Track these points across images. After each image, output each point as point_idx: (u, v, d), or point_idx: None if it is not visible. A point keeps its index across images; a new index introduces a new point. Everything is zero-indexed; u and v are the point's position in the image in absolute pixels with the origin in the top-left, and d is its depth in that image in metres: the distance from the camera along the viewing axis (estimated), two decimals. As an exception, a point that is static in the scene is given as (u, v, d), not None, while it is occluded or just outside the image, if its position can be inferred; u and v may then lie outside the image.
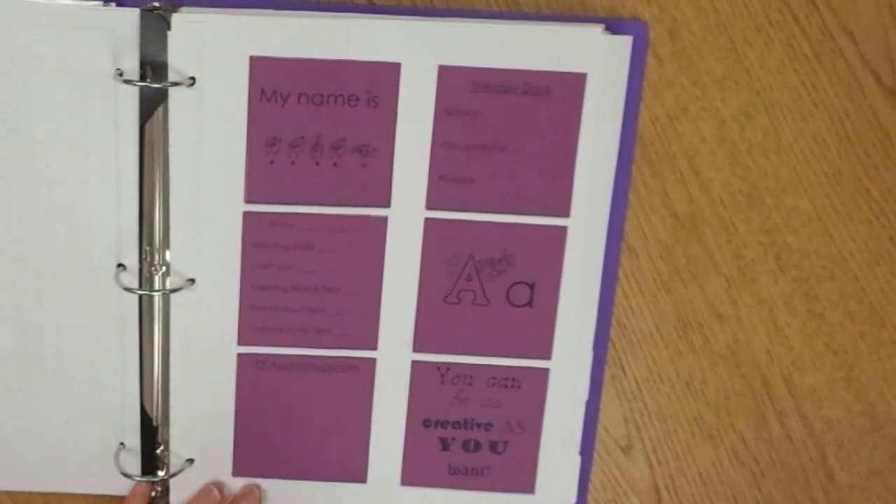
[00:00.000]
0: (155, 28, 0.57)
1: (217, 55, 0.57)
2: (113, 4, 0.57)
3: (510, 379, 0.63)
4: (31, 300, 0.61)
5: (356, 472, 0.64)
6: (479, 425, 0.64)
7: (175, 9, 0.57)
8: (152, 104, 0.58)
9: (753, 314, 0.63)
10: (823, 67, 0.60)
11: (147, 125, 0.58)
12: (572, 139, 0.59)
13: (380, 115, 0.58)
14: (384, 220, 0.60)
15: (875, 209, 0.62)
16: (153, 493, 0.63)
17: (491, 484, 0.64)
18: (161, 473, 0.63)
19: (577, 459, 0.64)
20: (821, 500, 0.66)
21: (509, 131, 0.59)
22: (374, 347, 0.62)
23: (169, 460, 0.63)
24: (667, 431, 0.65)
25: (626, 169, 0.60)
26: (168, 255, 0.60)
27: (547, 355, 0.62)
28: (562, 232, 0.60)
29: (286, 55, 0.57)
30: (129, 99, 0.58)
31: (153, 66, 0.57)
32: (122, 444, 0.63)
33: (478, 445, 0.64)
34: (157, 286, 0.60)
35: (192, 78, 0.57)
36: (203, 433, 0.63)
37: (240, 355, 0.62)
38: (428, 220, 0.60)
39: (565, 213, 0.60)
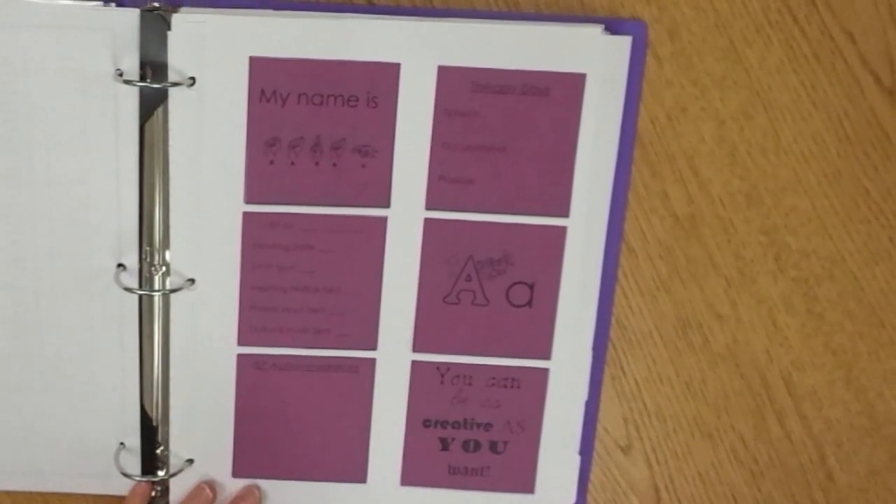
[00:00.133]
0: (155, 28, 0.57)
1: (217, 55, 0.57)
2: (113, 5, 0.57)
3: (510, 379, 0.63)
4: (31, 300, 0.61)
5: (356, 472, 0.64)
6: (478, 425, 0.64)
7: (175, 9, 0.57)
8: (152, 104, 0.58)
9: (753, 314, 0.63)
10: (823, 68, 0.60)
11: (147, 125, 0.58)
12: (572, 139, 0.59)
13: (379, 115, 0.58)
14: (384, 220, 0.60)
15: (874, 209, 0.62)
16: (153, 493, 0.63)
17: (491, 484, 0.64)
18: (161, 473, 0.63)
19: (577, 459, 0.64)
20: (820, 500, 0.66)
21: (509, 131, 0.59)
22: (373, 347, 0.62)
23: (169, 460, 0.63)
24: (666, 431, 0.65)
25: (626, 169, 0.60)
26: (168, 255, 0.60)
27: (546, 355, 0.62)
28: (561, 232, 0.60)
29: (286, 55, 0.57)
30: (129, 99, 0.58)
31: (153, 67, 0.57)
32: (122, 444, 0.63)
33: (477, 445, 0.64)
34: (157, 286, 0.60)
35: (192, 78, 0.57)
36: (203, 433, 0.63)
37: (240, 355, 0.62)
38: (427, 221, 0.60)
39: (565, 213, 0.60)
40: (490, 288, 0.61)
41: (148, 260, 0.60)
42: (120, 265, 0.60)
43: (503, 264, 0.61)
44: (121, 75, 0.57)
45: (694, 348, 0.64)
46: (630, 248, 0.62)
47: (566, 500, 0.65)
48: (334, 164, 0.59)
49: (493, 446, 0.64)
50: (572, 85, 0.58)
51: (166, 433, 0.63)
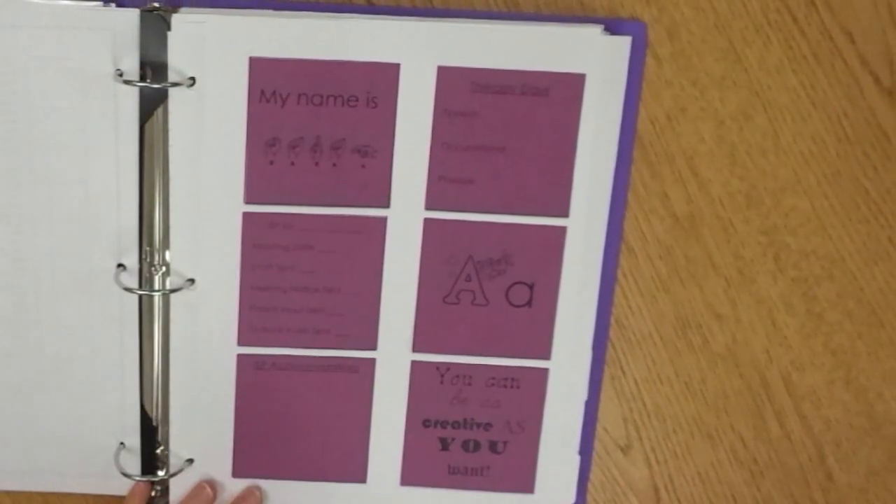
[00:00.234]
0: (155, 28, 0.57)
1: (217, 56, 0.57)
2: (113, 5, 0.57)
3: (510, 379, 0.63)
4: (31, 300, 0.61)
5: (356, 472, 0.64)
6: (478, 425, 0.64)
7: (175, 9, 0.57)
8: (152, 104, 0.58)
9: (752, 314, 0.63)
10: (822, 68, 0.60)
11: (147, 125, 0.58)
12: (571, 140, 0.59)
13: (379, 115, 0.58)
14: (384, 220, 0.60)
15: (873, 209, 0.62)
16: (153, 493, 0.64)
17: (490, 484, 0.65)
18: (161, 473, 0.63)
19: (577, 459, 0.64)
20: (819, 500, 0.66)
21: (508, 132, 0.59)
22: (373, 348, 0.62)
23: (169, 460, 0.63)
24: (666, 431, 0.65)
25: (625, 169, 0.61)
26: (168, 255, 0.60)
27: (546, 355, 0.62)
28: (561, 232, 0.60)
29: (286, 56, 0.57)
30: (129, 99, 0.58)
31: (153, 67, 0.57)
32: (122, 443, 0.63)
33: (477, 445, 0.64)
34: (157, 286, 0.60)
35: (192, 78, 0.57)
36: (203, 433, 0.63)
37: (240, 356, 0.62)
38: (427, 221, 0.60)
39: (564, 213, 0.60)
40: (490, 288, 0.61)
41: (148, 260, 0.60)
42: (120, 265, 0.60)
43: (503, 264, 0.61)
44: (121, 75, 0.57)
45: (693, 348, 0.64)
46: (630, 248, 0.62)
47: (566, 499, 0.65)
48: (334, 165, 0.59)
49: (493, 446, 0.64)
50: (572, 85, 0.58)
51: (166, 433, 0.63)
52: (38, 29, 0.57)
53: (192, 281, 0.60)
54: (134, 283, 0.60)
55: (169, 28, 0.57)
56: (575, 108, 0.59)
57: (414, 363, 0.62)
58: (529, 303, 0.62)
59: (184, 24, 0.57)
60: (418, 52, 0.58)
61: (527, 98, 0.58)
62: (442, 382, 0.63)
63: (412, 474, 0.64)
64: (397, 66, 0.58)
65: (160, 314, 0.61)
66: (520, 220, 0.60)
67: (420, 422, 0.63)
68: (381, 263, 0.61)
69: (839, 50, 0.60)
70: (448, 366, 0.63)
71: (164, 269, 0.60)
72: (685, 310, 0.63)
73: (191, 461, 0.63)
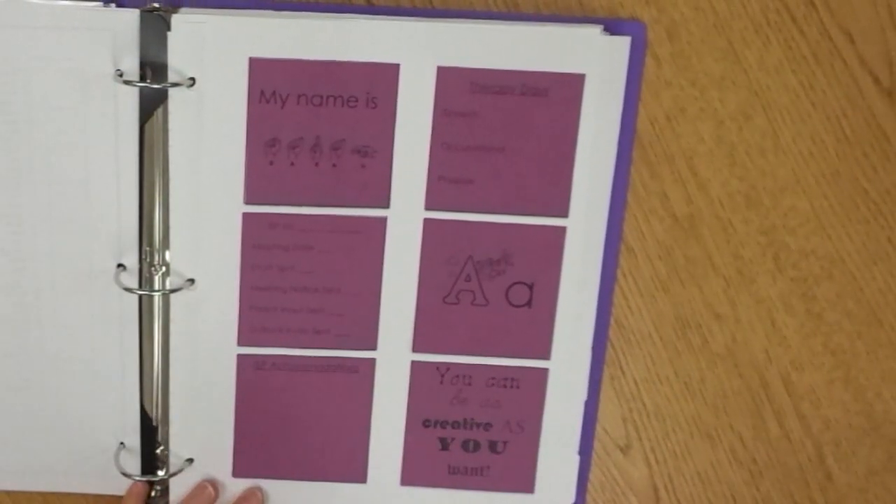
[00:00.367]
0: (155, 29, 0.57)
1: (217, 56, 0.57)
2: (113, 5, 0.57)
3: (509, 379, 0.63)
4: (31, 300, 0.61)
5: (356, 472, 0.64)
6: (478, 425, 0.64)
7: (175, 10, 0.57)
8: (152, 105, 0.58)
9: (752, 314, 0.63)
10: (821, 68, 0.60)
11: (147, 125, 0.59)
12: (571, 140, 0.59)
13: (379, 115, 0.58)
14: (383, 220, 0.60)
15: (873, 209, 0.62)
16: (153, 493, 0.64)
17: (490, 484, 0.65)
18: (161, 473, 0.63)
19: (576, 459, 0.64)
20: (819, 500, 0.66)
21: (508, 132, 0.59)
22: (373, 348, 0.62)
23: (169, 460, 0.63)
24: (665, 431, 0.65)
25: (625, 169, 0.61)
26: (168, 255, 0.60)
27: (546, 355, 0.63)
28: (561, 232, 0.61)
29: (285, 56, 0.57)
30: (129, 99, 0.58)
31: (153, 67, 0.58)
32: (121, 443, 0.63)
33: (477, 445, 0.64)
34: (157, 286, 0.61)
35: (192, 79, 0.57)
36: (203, 433, 0.63)
37: (240, 356, 0.62)
38: (427, 221, 0.60)
39: (564, 213, 0.60)
40: (489, 288, 0.61)
41: (148, 260, 0.60)
42: (120, 265, 0.60)
43: (503, 264, 0.61)
44: (121, 76, 0.57)
45: (693, 348, 0.64)
46: (629, 248, 0.62)
47: (565, 499, 0.65)
48: (334, 165, 0.59)
49: (493, 446, 0.64)
50: (571, 85, 0.58)
51: (166, 433, 0.63)
52: (38, 29, 0.57)
53: (192, 281, 0.60)
54: (134, 283, 0.60)
55: (169, 28, 0.57)
56: (574, 109, 0.59)
57: (414, 363, 0.62)
58: (529, 303, 0.62)
59: (184, 24, 0.57)
60: (418, 52, 0.58)
61: (526, 98, 0.58)
62: (442, 382, 0.63)
63: (412, 474, 0.64)
64: (397, 66, 0.58)
65: (160, 314, 0.61)
66: (519, 221, 0.60)
67: (420, 422, 0.63)
68: (381, 263, 0.61)
69: (838, 50, 0.60)
70: (448, 366, 0.63)
71: (164, 269, 0.60)
72: (685, 310, 0.63)
73: (191, 461, 0.63)
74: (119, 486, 0.63)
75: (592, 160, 0.59)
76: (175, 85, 0.57)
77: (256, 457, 0.63)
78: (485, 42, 0.58)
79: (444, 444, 0.64)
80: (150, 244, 0.60)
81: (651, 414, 0.65)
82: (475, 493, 0.65)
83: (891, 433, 0.65)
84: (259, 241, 0.60)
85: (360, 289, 0.61)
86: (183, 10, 0.57)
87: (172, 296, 0.60)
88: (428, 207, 0.60)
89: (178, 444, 0.63)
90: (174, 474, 0.63)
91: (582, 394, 0.63)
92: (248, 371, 0.62)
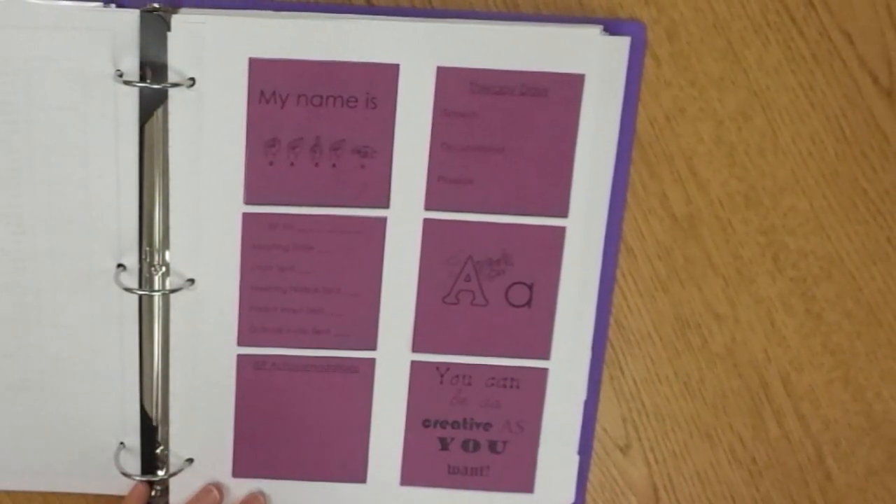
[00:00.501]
0: (155, 29, 0.57)
1: (216, 56, 0.57)
2: (113, 6, 0.57)
3: (509, 379, 0.63)
4: (31, 300, 0.61)
5: (356, 472, 0.64)
6: (478, 425, 0.64)
7: (175, 10, 0.57)
8: (152, 105, 0.58)
9: (751, 314, 0.63)
10: (821, 68, 0.60)
11: (147, 126, 0.59)
12: (570, 140, 0.59)
13: (379, 116, 0.59)
14: (383, 220, 0.60)
15: (872, 209, 0.62)
16: (153, 493, 0.64)
17: (490, 483, 0.65)
18: (161, 473, 0.63)
19: (576, 459, 0.64)
20: (818, 500, 0.66)
21: (508, 132, 0.59)
22: (373, 348, 0.62)
23: (169, 460, 0.63)
24: (665, 431, 0.65)
25: (625, 169, 0.61)
26: (168, 255, 0.60)
27: (546, 355, 0.63)
28: (560, 232, 0.61)
29: (285, 56, 0.57)
30: (129, 100, 0.58)
31: (153, 67, 0.58)
32: (121, 443, 0.63)
33: (477, 445, 0.64)
34: (157, 286, 0.61)
35: (192, 79, 0.57)
36: (203, 433, 0.63)
37: (240, 356, 0.62)
38: (427, 221, 0.60)
39: (564, 213, 0.60)
40: (489, 288, 0.61)
41: (148, 260, 0.60)
42: (120, 265, 0.60)
43: (502, 264, 0.61)
44: (121, 76, 0.57)
45: (692, 348, 0.64)
46: (629, 248, 0.62)
47: (565, 499, 0.65)
48: (334, 165, 0.59)
49: (493, 446, 0.64)
50: (571, 85, 0.58)
51: (166, 433, 0.63)
52: (39, 29, 0.57)
53: (192, 281, 0.60)
54: (134, 284, 0.60)
55: (169, 28, 0.57)
56: (574, 109, 0.59)
57: (414, 363, 0.63)
58: (529, 303, 0.62)
59: (184, 24, 0.57)
60: (418, 52, 0.58)
61: (526, 98, 0.58)
62: (442, 382, 0.63)
63: (412, 474, 0.64)
64: (397, 66, 0.58)
65: (160, 314, 0.61)
66: (519, 221, 0.60)
67: (420, 422, 0.63)
68: (381, 264, 0.61)
69: (838, 50, 0.60)
70: (448, 366, 0.63)
71: (164, 269, 0.60)
72: (684, 310, 0.63)
73: (191, 461, 0.63)
74: (119, 486, 0.63)
75: (592, 160, 0.59)
76: (175, 85, 0.57)
77: (256, 457, 0.63)
78: (484, 42, 0.58)
79: (444, 444, 0.64)
80: (150, 244, 0.60)
81: (650, 414, 0.65)
82: (475, 492, 0.65)
83: (890, 433, 0.65)
84: (259, 241, 0.60)
85: (359, 289, 0.61)
86: (183, 10, 0.57)
87: (172, 296, 0.60)
88: (428, 207, 0.60)
89: (178, 444, 0.63)
90: (174, 474, 0.63)
91: (581, 394, 0.63)
92: (248, 371, 0.62)
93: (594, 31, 0.58)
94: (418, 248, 0.61)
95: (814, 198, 0.62)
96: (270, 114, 0.58)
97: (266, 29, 0.57)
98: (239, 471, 0.64)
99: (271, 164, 0.59)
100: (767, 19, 0.60)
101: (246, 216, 0.60)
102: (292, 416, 0.63)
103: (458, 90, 0.58)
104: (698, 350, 0.64)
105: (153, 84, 0.57)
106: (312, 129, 0.58)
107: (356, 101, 0.58)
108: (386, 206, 0.60)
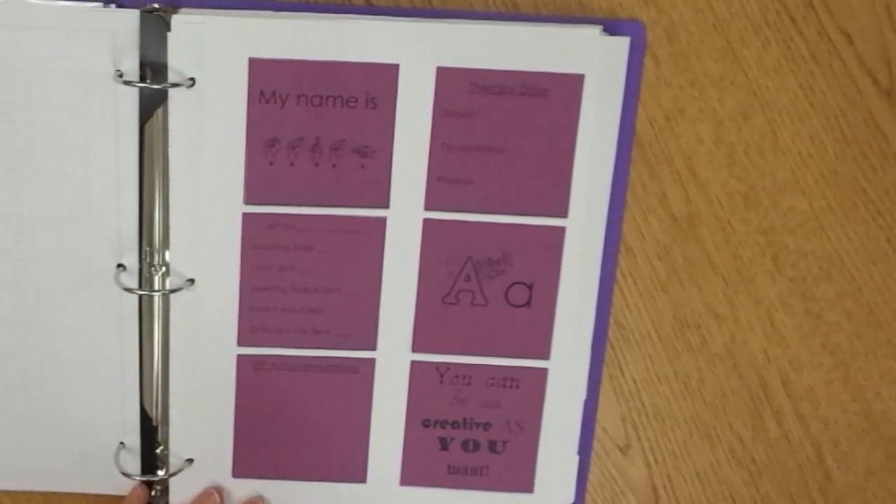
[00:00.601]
0: (155, 29, 0.57)
1: (216, 57, 0.57)
2: (113, 6, 0.58)
3: (509, 379, 0.63)
4: (31, 300, 0.61)
5: (356, 472, 0.64)
6: (478, 425, 0.64)
7: (175, 10, 0.57)
8: (152, 105, 0.58)
9: (751, 314, 0.63)
10: (820, 68, 0.60)
11: (147, 126, 0.59)
12: (570, 140, 0.59)
13: (378, 116, 0.59)
14: (383, 220, 0.60)
15: (872, 209, 0.62)
16: (153, 493, 0.64)
17: (490, 483, 0.65)
18: (161, 473, 0.63)
19: (576, 459, 0.64)
20: (818, 500, 0.66)
21: (507, 132, 0.59)
22: (373, 348, 0.62)
23: (169, 460, 0.63)
24: (664, 431, 0.65)
25: (624, 170, 0.61)
26: (168, 255, 0.60)
27: (545, 355, 0.63)
28: (560, 232, 0.61)
29: (285, 56, 0.57)
30: (129, 100, 0.58)
31: (153, 68, 0.58)
32: (121, 443, 0.63)
33: (477, 445, 0.64)
34: (156, 286, 0.61)
35: (192, 79, 0.58)
36: (203, 433, 0.63)
37: (240, 356, 0.62)
38: (427, 221, 0.60)
39: (563, 213, 0.60)
40: (489, 288, 0.61)
41: (148, 260, 0.60)
42: (120, 265, 0.60)
43: (502, 264, 0.61)
44: (121, 76, 0.57)
45: (692, 348, 0.64)
46: (628, 248, 0.62)
47: (565, 499, 0.65)
48: (334, 165, 0.59)
49: (493, 446, 0.64)
50: (571, 86, 0.58)
51: (166, 433, 0.63)
52: (38, 29, 0.57)
53: (192, 281, 0.60)
54: (134, 284, 0.60)
55: (169, 29, 0.57)
56: (574, 109, 0.59)
57: (413, 363, 0.63)
58: (529, 303, 0.62)
59: (183, 24, 0.57)
60: (417, 52, 0.58)
61: (526, 98, 0.58)
62: (441, 382, 0.63)
63: (412, 474, 0.64)
64: (396, 66, 0.58)
65: (160, 314, 0.61)
66: (519, 221, 0.60)
67: (420, 422, 0.64)
68: (381, 264, 0.61)
69: (837, 51, 0.60)
70: (448, 366, 0.63)
71: (163, 269, 0.60)
72: (684, 310, 0.63)
73: (191, 461, 0.63)
74: (119, 486, 0.63)
75: (592, 160, 0.60)
76: (175, 85, 0.57)
77: (256, 457, 0.64)
78: (484, 42, 0.58)
79: (444, 444, 0.64)
80: (150, 244, 0.60)
81: (650, 414, 0.65)
82: (475, 492, 0.65)
83: (889, 433, 0.65)
84: (259, 241, 0.60)
85: (359, 289, 0.61)
86: (183, 10, 0.57)
87: (172, 296, 0.60)
88: (427, 207, 0.60)
89: (178, 444, 0.63)
90: (174, 474, 0.63)
91: (581, 393, 0.63)
92: (248, 371, 0.62)
93: (594, 32, 0.58)
94: (418, 248, 0.61)
95: (813, 198, 0.62)
96: (270, 114, 0.58)
97: (266, 29, 0.57)
98: (239, 471, 0.64)
99: (271, 164, 0.59)
100: (767, 19, 0.60)
101: (246, 216, 0.60)
102: (292, 417, 0.63)
103: (458, 90, 0.58)
104: (698, 350, 0.64)
105: (153, 84, 0.57)
106: (312, 129, 0.58)
107: (356, 101, 0.58)
108: (386, 206, 0.60)
